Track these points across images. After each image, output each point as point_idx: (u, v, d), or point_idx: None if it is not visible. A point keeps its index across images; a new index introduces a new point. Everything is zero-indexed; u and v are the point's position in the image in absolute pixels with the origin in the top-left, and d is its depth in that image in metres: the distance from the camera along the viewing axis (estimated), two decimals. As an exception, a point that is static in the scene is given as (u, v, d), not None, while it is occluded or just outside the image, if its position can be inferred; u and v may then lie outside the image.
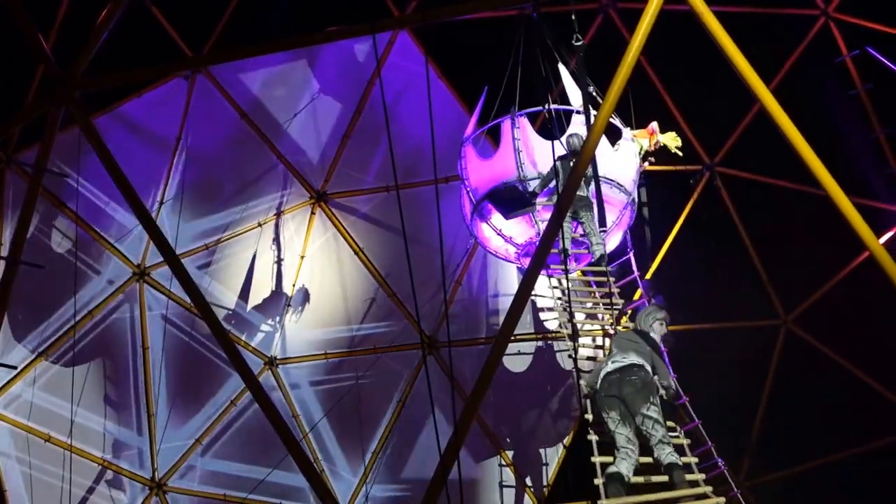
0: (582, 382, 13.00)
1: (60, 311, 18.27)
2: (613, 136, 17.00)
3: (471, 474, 20.62)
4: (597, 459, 12.08)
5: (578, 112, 16.67)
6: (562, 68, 17.26)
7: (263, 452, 19.92)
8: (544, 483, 20.77)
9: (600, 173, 15.60)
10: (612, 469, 11.53)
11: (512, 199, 16.00)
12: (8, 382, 18.10)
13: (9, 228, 17.27)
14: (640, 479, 11.89)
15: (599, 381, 12.32)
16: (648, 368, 12.22)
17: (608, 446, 12.00)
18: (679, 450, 12.50)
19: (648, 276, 18.83)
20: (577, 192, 15.69)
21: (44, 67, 14.70)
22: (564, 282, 14.93)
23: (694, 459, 12.56)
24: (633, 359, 12.29)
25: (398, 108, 18.83)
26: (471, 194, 17.15)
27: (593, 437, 12.44)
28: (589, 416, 12.76)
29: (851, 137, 19.08)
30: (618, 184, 16.43)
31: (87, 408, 18.94)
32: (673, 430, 13.10)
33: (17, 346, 18.09)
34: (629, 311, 16.42)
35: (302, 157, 20.68)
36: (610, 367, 12.29)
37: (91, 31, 13.65)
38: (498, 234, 17.12)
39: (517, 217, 16.27)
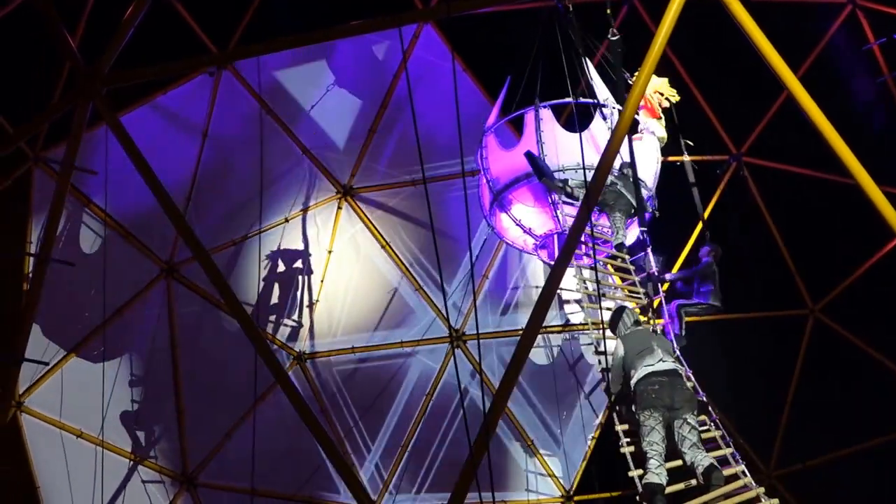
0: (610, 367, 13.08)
1: (90, 307, 18.35)
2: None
3: (499, 466, 20.63)
4: (634, 473, 12.04)
5: (604, 105, 16.60)
6: (587, 61, 17.17)
7: (293, 446, 19.99)
8: (572, 474, 20.79)
9: (619, 166, 15.65)
10: (651, 480, 11.59)
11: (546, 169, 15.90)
12: (40, 379, 18.25)
13: (38, 226, 17.38)
14: (681, 486, 11.96)
15: (641, 377, 12.30)
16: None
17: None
18: (712, 441, 12.62)
19: (676, 269, 18.70)
20: (612, 188, 15.70)
21: (70, 65, 14.77)
22: (591, 272, 14.95)
23: (729, 450, 12.55)
24: (676, 365, 12.47)
25: (423, 102, 18.81)
26: (490, 184, 17.09)
27: (627, 450, 12.46)
28: (620, 428, 12.78)
29: (879, 125, 18.97)
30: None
31: (117, 404, 19.07)
32: (703, 423, 13.09)
33: (49, 343, 18.20)
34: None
35: (327, 151, 20.68)
36: (658, 367, 12.29)
37: (116, 28, 13.73)
38: (517, 225, 17.08)
39: (544, 186, 16.10)
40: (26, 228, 17.88)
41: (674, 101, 16.93)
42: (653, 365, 12.29)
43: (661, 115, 16.97)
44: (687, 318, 15.82)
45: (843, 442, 19.32)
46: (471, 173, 18.38)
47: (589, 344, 19.23)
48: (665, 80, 16.85)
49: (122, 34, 13.57)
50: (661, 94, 16.92)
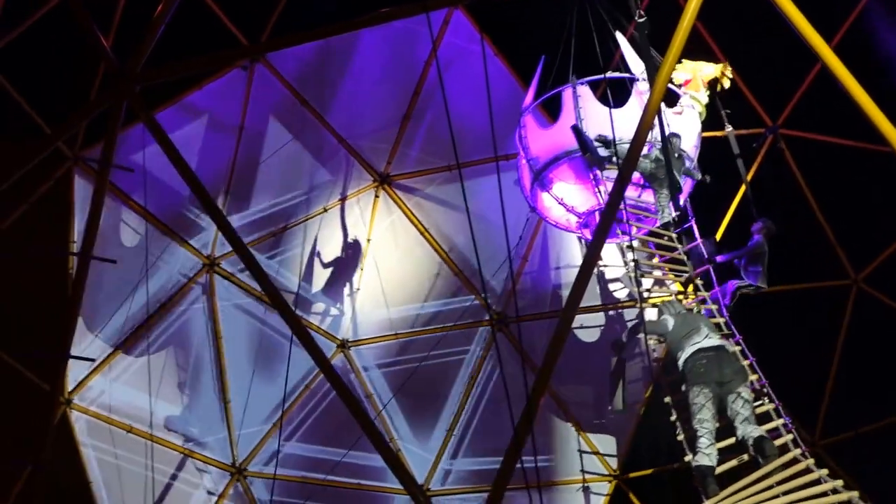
0: (649, 328, 13.29)
1: (134, 304, 18.50)
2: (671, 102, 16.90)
3: (544, 447, 20.63)
4: (691, 459, 12.32)
5: (639, 80, 16.54)
6: (619, 36, 17.12)
7: (340, 434, 20.11)
8: (618, 451, 20.76)
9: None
10: (702, 462, 11.89)
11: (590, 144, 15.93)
12: (88, 376, 18.44)
13: (80, 225, 17.52)
14: (734, 463, 12.21)
15: (689, 355, 12.63)
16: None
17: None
18: (766, 416, 12.84)
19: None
20: (652, 160, 15.69)
21: (104, 64, 14.86)
22: (630, 250, 15.00)
23: (780, 421, 12.77)
24: (723, 341, 12.86)
25: (455, 87, 18.79)
26: (531, 164, 17.08)
27: (681, 436, 12.87)
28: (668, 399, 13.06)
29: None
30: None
31: (165, 398, 19.26)
32: (758, 399, 13.22)
33: (95, 340, 18.38)
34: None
35: (363, 140, 20.75)
36: (705, 343, 12.65)
37: (148, 26, 13.80)
38: (559, 204, 17.07)
39: (588, 160, 16.10)
40: (69, 228, 18.05)
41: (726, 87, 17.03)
42: (699, 342, 12.63)
43: (703, 90, 16.97)
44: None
45: (889, 411, 19.23)
46: (504, 157, 18.38)
47: (633, 320, 19.30)
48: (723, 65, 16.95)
49: (153, 32, 13.63)
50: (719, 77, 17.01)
